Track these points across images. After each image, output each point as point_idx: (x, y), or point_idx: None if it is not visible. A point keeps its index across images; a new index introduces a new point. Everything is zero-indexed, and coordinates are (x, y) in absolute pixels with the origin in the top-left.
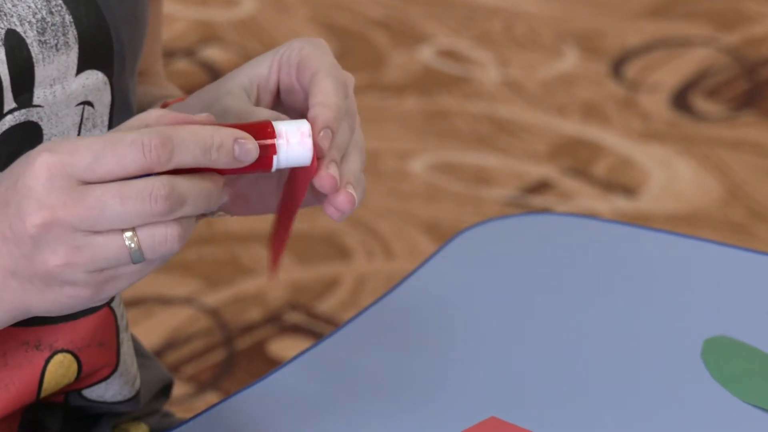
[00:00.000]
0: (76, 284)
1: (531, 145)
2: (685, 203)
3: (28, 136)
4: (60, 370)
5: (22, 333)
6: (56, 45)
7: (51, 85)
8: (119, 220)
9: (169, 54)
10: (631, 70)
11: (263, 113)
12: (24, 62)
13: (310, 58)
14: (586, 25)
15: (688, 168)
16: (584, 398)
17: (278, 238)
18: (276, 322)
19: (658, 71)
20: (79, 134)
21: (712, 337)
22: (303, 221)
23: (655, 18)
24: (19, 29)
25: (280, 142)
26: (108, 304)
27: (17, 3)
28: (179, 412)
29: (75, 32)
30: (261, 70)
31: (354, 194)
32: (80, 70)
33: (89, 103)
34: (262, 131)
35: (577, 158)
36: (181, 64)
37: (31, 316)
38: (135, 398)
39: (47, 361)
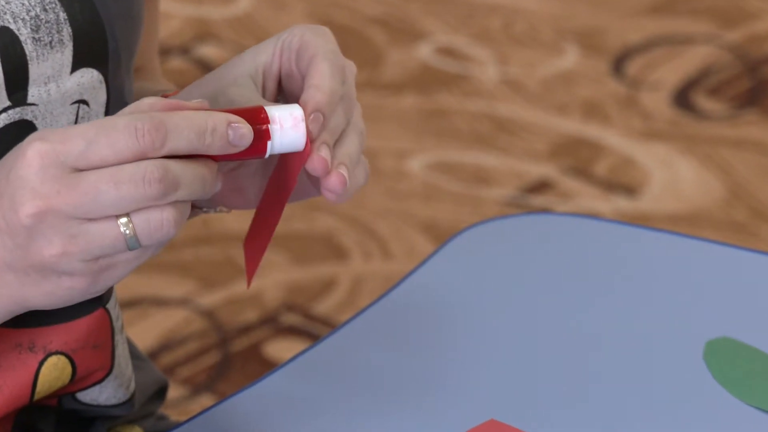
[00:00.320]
0: (72, 274)
1: (531, 144)
2: (686, 203)
3: (23, 135)
4: (54, 372)
5: (15, 334)
6: (50, 42)
7: (45, 84)
8: (114, 205)
9: (165, 51)
10: (632, 68)
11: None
12: (18, 60)
13: (310, 44)
14: (586, 23)
15: (689, 167)
16: (584, 400)
17: (258, 238)
18: (272, 324)
19: (660, 69)
20: None
21: (715, 338)
22: (300, 221)
23: (657, 15)
24: (12, 26)
25: (274, 128)
26: (103, 304)
27: (10, 0)
28: (174, 415)
29: (69, 30)
30: (265, 57)
31: (345, 175)
32: (75, 68)
33: (84, 102)
34: (255, 116)
35: (578, 157)
36: (177, 62)
37: (28, 310)
38: (129, 401)
39: (41, 364)
